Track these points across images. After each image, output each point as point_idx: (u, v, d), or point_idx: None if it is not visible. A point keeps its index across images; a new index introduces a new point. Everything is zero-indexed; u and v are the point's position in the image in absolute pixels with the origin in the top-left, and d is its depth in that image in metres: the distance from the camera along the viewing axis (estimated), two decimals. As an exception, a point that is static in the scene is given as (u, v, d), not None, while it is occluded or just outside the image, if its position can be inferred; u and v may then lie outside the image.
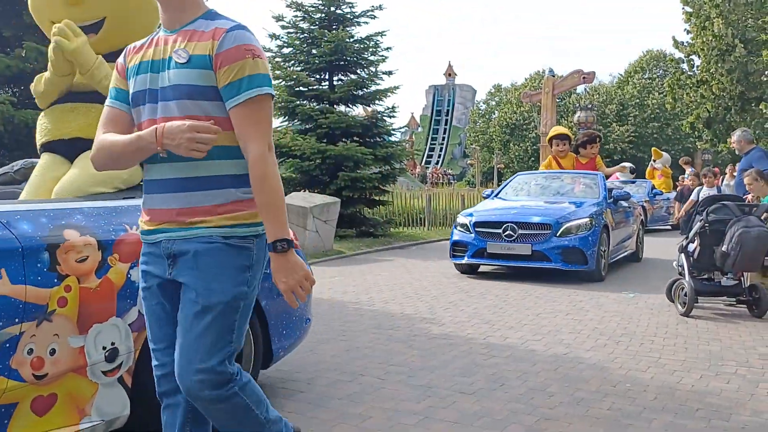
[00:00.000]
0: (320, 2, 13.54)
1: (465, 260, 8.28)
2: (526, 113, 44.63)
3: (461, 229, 8.42)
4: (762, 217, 5.94)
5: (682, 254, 6.23)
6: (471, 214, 8.60)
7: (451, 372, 4.05)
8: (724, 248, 5.76)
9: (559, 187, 9.60)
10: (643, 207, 13.10)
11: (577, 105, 32.40)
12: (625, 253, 9.58)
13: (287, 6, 13.52)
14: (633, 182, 16.13)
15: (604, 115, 42.02)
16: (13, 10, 10.88)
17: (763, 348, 4.74)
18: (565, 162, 11.18)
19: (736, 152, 8.16)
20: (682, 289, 6.01)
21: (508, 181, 10.33)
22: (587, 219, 7.95)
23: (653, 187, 16.81)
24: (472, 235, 8.21)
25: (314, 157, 12.24)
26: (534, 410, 3.37)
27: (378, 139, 13.67)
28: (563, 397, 3.58)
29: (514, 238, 7.88)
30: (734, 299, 6.14)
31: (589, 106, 24.68)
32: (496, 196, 9.73)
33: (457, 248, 8.42)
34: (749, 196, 6.60)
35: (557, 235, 7.79)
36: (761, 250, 5.71)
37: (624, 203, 9.44)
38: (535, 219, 7.98)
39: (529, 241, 7.86)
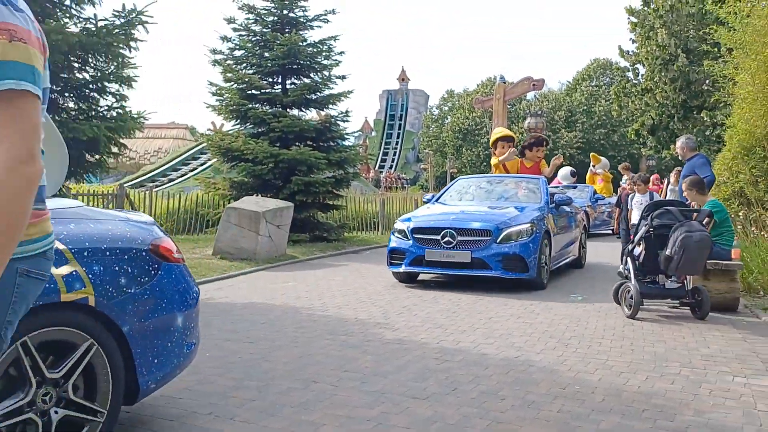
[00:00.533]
0: (273, 5, 13.45)
1: (402, 268, 7.85)
2: (478, 119, 45.35)
3: (399, 236, 8.00)
4: (703, 222, 6.16)
5: (629, 258, 6.40)
6: (409, 219, 8.17)
7: (405, 377, 4.06)
8: (667, 252, 5.93)
9: (501, 192, 9.33)
10: (586, 212, 13.20)
11: (528, 111, 32.98)
12: (568, 259, 9.34)
13: (239, 8, 13.40)
14: (575, 187, 16.40)
15: (553, 121, 43.11)
16: None
17: (705, 349, 4.90)
18: (509, 164, 11.31)
19: (680, 158, 8.44)
20: (628, 292, 6.16)
21: (449, 185, 10.05)
22: (528, 225, 7.67)
23: (595, 192, 17.12)
24: (410, 241, 7.81)
25: (267, 161, 12.13)
26: (486, 414, 3.41)
27: (331, 143, 13.64)
28: (514, 401, 3.62)
29: (453, 245, 7.53)
30: (678, 302, 6.34)
31: (539, 112, 25.14)
32: (437, 200, 9.41)
33: (394, 256, 7.97)
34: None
35: (497, 241, 7.46)
36: (703, 254, 5.92)
37: (566, 208, 9.21)
38: (475, 225, 7.65)
39: (469, 248, 7.50)
